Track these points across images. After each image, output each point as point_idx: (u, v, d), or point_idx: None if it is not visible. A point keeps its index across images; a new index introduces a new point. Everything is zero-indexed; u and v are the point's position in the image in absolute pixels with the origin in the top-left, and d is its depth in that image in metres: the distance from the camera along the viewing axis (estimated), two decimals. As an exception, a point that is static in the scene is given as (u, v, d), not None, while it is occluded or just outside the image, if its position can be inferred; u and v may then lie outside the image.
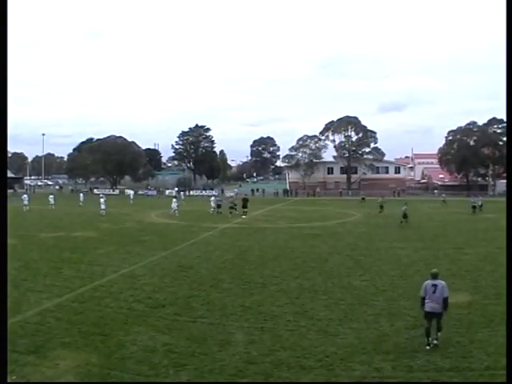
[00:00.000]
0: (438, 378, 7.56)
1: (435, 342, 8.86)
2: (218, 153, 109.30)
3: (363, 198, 53.79)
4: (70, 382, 7.40)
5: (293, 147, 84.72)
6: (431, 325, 8.91)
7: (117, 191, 74.89)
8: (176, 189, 71.79)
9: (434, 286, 8.94)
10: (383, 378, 7.61)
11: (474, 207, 34.12)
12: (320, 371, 7.84)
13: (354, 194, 71.41)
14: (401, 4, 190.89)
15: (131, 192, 62.62)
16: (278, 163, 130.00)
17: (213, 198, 39.89)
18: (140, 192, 79.19)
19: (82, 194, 51.92)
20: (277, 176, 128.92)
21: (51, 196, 43.94)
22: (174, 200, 38.82)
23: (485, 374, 7.65)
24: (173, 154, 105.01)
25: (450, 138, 77.77)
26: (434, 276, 9.11)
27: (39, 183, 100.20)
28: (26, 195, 43.58)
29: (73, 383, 7.39)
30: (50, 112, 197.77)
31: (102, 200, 37.84)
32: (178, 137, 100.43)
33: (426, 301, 8.95)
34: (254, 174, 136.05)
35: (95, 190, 79.58)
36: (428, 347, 8.73)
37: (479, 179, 78.78)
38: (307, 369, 7.92)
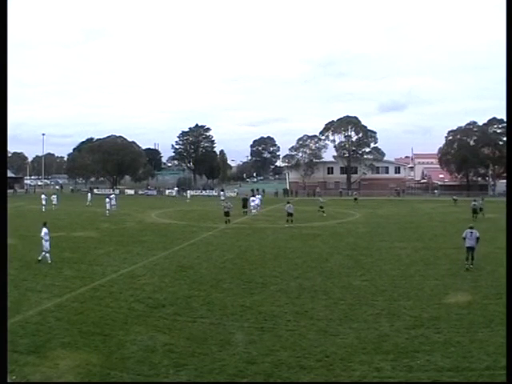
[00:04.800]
0: (438, 378, 7.56)
1: (471, 266, 15.65)
2: (218, 153, 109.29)
3: (356, 199, 54.07)
4: (70, 382, 7.41)
5: (293, 147, 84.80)
6: (469, 255, 15.82)
7: (117, 191, 74.77)
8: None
9: (471, 232, 16.16)
10: (383, 378, 7.61)
11: (475, 210, 33.81)
12: (320, 371, 7.84)
13: (353, 195, 71.32)
14: (401, 4, 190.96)
15: (188, 192, 65.53)
16: (278, 163, 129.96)
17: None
18: (140, 192, 79.29)
19: (89, 194, 51.86)
20: (277, 176, 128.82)
21: (54, 196, 43.94)
22: (253, 199, 39.26)
23: (485, 374, 7.65)
24: (173, 154, 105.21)
25: (450, 137, 77.72)
26: (471, 227, 16.57)
27: (39, 183, 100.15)
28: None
29: (73, 383, 7.40)
30: (50, 112, 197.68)
31: (107, 199, 37.95)
32: (178, 137, 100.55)
33: (466, 240, 16.06)
34: (254, 174, 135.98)
35: (95, 190, 79.59)
36: (467, 268, 15.54)
37: (479, 179, 78.75)
38: (307, 369, 7.92)
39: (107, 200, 37.96)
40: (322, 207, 38.25)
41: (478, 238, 16.11)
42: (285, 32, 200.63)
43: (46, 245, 16.79)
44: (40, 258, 16.68)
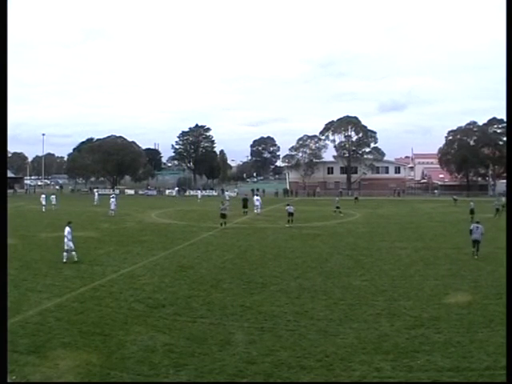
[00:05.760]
0: (438, 378, 7.55)
1: (476, 257, 17.82)
2: (218, 153, 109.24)
3: (356, 198, 54.34)
4: (70, 382, 7.41)
5: (293, 147, 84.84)
6: (475, 246, 18.09)
7: (117, 191, 74.72)
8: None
9: (477, 226, 18.43)
10: (383, 378, 7.61)
11: (472, 211, 33.79)
12: (320, 371, 7.84)
13: (354, 194, 71.37)
14: (401, 4, 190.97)
15: (199, 192, 66.70)
16: (278, 163, 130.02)
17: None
18: (140, 192, 79.23)
19: (96, 194, 51.72)
20: (277, 176, 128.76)
21: (53, 196, 43.89)
22: (257, 198, 39.87)
23: (485, 374, 7.64)
24: (173, 154, 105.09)
25: (450, 137, 77.74)
26: (477, 222, 19.12)
27: (39, 183, 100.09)
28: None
29: (73, 383, 7.39)
30: (50, 112, 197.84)
31: (112, 200, 37.66)
32: (178, 137, 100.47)
33: (473, 234, 18.29)
34: (254, 174, 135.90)
35: (95, 190, 79.52)
36: (476, 257, 17.80)
37: (479, 179, 78.76)
38: (307, 369, 7.92)
39: (112, 200, 37.51)
40: (338, 207, 38.61)
41: (482, 233, 18.37)
42: (285, 32, 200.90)
43: (70, 244, 16.99)
44: (65, 260, 16.75)
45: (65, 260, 16.75)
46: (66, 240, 16.97)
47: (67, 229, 17.16)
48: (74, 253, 17.01)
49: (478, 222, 19.04)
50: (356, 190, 70.66)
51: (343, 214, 37.02)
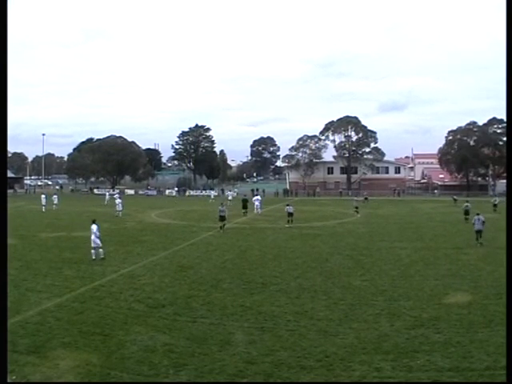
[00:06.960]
0: (438, 378, 7.55)
1: (479, 245, 20.30)
2: (218, 153, 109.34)
3: (366, 198, 53.94)
4: (70, 382, 7.40)
5: (293, 147, 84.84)
6: (478, 236, 20.66)
7: (117, 191, 74.66)
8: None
9: (478, 218, 20.90)
10: (383, 378, 7.61)
11: (467, 212, 33.77)
12: (320, 371, 7.83)
13: (354, 194, 71.46)
14: (401, 4, 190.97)
15: (212, 192, 66.75)
16: (278, 163, 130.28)
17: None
18: (140, 192, 79.22)
19: (107, 194, 51.69)
20: (277, 176, 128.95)
21: (55, 196, 43.83)
22: (258, 198, 40.55)
23: (485, 374, 7.64)
24: (173, 154, 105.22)
25: (450, 137, 77.70)
26: (478, 214, 21.52)
27: (39, 183, 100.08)
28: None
29: (73, 383, 7.39)
30: (50, 112, 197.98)
31: (118, 200, 37.08)
32: (178, 137, 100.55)
33: (475, 225, 20.90)
34: (254, 174, 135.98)
35: (95, 190, 79.63)
36: (478, 244, 20.38)
37: (479, 179, 78.73)
38: (307, 369, 7.92)
39: (118, 201, 36.76)
40: (357, 207, 38.72)
41: (483, 222, 20.93)
42: (285, 32, 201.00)
43: (97, 241, 17.37)
44: (94, 258, 17.14)
45: (94, 257, 17.15)
46: (93, 237, 17.35)
47: (95, 226, 17.55)
48: (101, 250, 17.38)
49: (478, 214, 21.51)
50: (356, 190, 70.64)
51: (359, 215, 37.03)
